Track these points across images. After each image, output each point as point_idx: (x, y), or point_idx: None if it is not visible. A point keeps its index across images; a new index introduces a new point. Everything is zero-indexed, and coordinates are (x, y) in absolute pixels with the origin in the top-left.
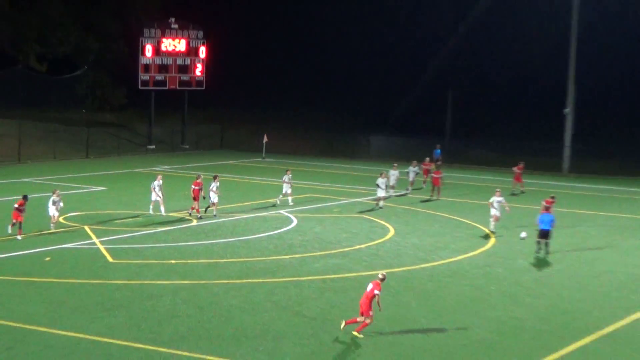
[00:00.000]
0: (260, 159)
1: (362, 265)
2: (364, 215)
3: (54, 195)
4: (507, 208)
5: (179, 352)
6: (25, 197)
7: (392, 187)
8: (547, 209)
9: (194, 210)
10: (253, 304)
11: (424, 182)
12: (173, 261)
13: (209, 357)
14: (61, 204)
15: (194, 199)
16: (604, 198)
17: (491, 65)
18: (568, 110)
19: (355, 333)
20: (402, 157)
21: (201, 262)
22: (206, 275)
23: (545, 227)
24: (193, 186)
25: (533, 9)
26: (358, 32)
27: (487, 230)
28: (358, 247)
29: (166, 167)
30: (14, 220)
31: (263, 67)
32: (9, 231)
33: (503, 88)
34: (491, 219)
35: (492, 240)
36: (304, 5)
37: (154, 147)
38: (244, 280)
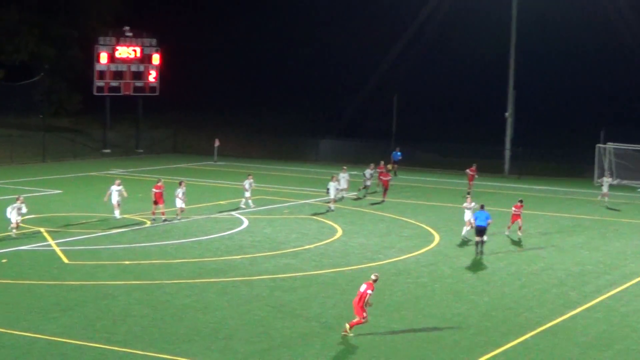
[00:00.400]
0: (212, 162)
1: (311, 265)
2: (313, 217)
3: (18, 201)
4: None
5: (133, 351)
6: None
7: (344, 190)
8: (515, 216)
9: (160, 214)
10: (205, 303)
11: (378, 184)
12: (127, 262)
13: (162, 356)
14: (24, 209)
15: (155, 202)
16: (543, 198)
17: (435, 72)
18: (508, 115)
19: (347, 327)
20: (350, 160)
21: (154, 263)
22: (159, 276)
23: (481, 224)
24: (154, 190)
25: (474, 17)
26: (308, 39)
27: (432, 231)
28: (307, 247)
29: (121, 170)
30: None
31: (215, 72)
32: None
33: (446, 93)
34: (465, 227)
35: (437, 240)
36: (255, 13)
37: (109, 151)
38: (197, 280)
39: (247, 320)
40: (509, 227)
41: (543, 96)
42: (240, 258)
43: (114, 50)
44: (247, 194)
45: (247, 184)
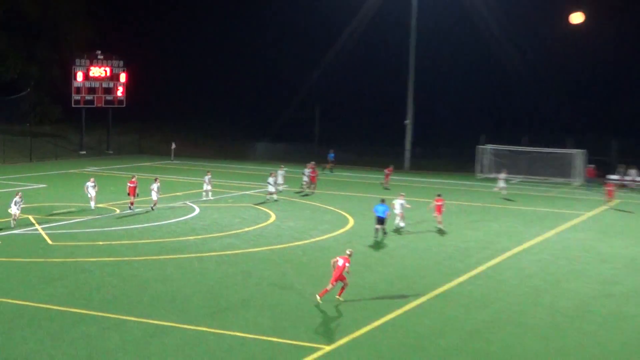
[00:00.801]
0: (169, 161)
1: (250, 244)
2: (252, 205)
3: (17, 196)
4: (407, 206)
5: (107, 315)
6: None
7: (281, 184)
8: (437, 207)
9: (131, 204)
10: (165, 275)
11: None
12: (101, 243)
13: (130, 318)
14: (22, 204)
15: (129, 194)
16: (435, 189)
17: (351, 86)
18: (408, 122)
19: (338, 297)
20: (281, 159)
21: (123, 243)
22: (127, 254)
23: (380, 215)
24: (129, 184)
25: (380, 44)
26: (249, 58)
27: (348, 216)
28: (247, 229)
29: (95, 168)
30: None
31: (172, 87)
32: None
33: (359, 104)
34: (397, 218)
35: (351, 223)
36: (204, 36)
37: (84, 152)
38: (158, 257)
39: (198, 289)
40: (438, 222)
41: (436, 106)
42: (194, 239)
43: (88, 70)
44: (207, 187)
45: (206, 179)
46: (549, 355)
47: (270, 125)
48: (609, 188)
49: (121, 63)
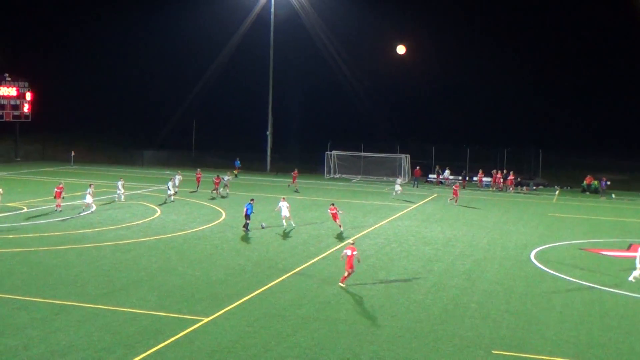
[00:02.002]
0: (69, 166)
1: (139, 234)
2: (140, 202)
3: None
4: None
5: (17, 297)
6: None
7: (176, 187)
8: (333, 215)
9: (58, 206)
10: (67, 262)
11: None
12: (11, 236)
13: (37, 299)
14: None
15: (55, 197)
16: (292, 188)
17: (223, 103)
18: (269, 133)
19: (340, 284)
20: (165, 164)
21: (30, 236)
22: (34, 244)
23: (249, 212)
24: (55, 189)
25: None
26: (137, 79)
27: (221, 210)
28: (136, 222)
29: (5, 173)
30: None
31: (72, 103)
32: None
33: (230, 117)
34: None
35: (224, 216)
36: (100, 59)
37: None
38: (61, 247)
39: (96, 273)
40: (340, 226)
41: (291, 120)
42: (91, 231)
43: None
44: (119, 191)
45: (119, 184)
46: (384, 320)
47: (155, 135)
48: (455, 188)
49: (26, 84)
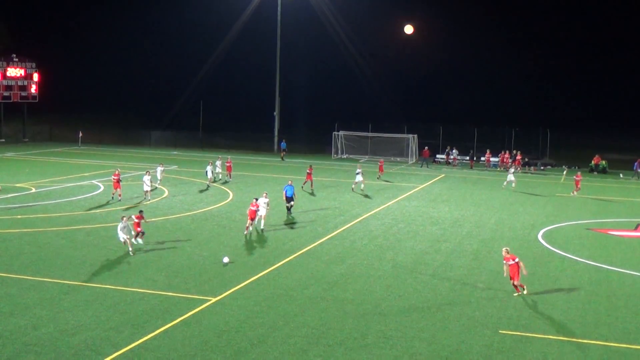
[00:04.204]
0: (77, 147)
1: (147, 215)
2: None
3: None
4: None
5: (26, 277)
6: None
7: (219, 172)
8: (308, 174)
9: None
10: (76, 242)
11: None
12: (19, 216)
13: (46, 279)
14: None
15: (114, 187)
16: (302, 168)
17: (229, 85)
18: (276, 113)
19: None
20: (173, 144)
21: (39, 217)
22: (42, 225)
23: (289, 195)
24: (112, 177)
25: (254, 47)
26: (145, 59)
27: (229, 191)
28: (145, 203)
29: (13, 153)
30: None
31: (79, 84)
32: None
33: (237, 99)
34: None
35: (231, 197)
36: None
37: (3, 140)
38: (69, 227)
39: (104, 253)
40: (303, 185)
41: (299, 101)
42: (99, 211)
43: (5, 70)
44: (159, 176)
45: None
46: (392, 300)
47: (163, 116)
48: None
49: (34, 65)
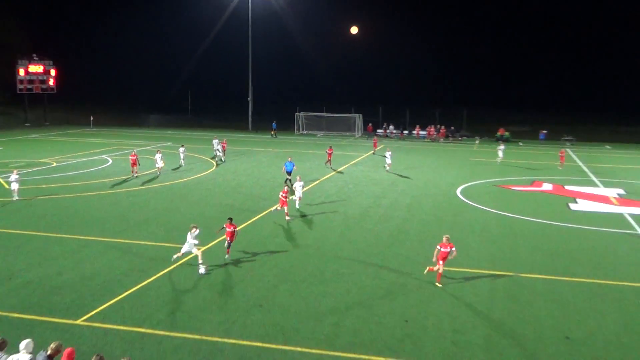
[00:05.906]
0: (89, 129)
1: (147, 182)
2: (148, 157)
3: (14, 174)
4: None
5: (50, 234)
6: None
7: (218, 151)
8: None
9: (134, 173)
10: (90, 206)
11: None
12: (44, 185)
13: (66, 236)
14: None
15: (132, 165)
16: (270, 143)
17: (216, 73)
18: (249, 99)
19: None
20: (167, 125)
21: (59, 185)
22: (62, 192)
23: (289, 170)
24: (130, 157)
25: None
26: (145, 51)
27: (212, 162)
28: (144, 173)
29: (37, 135)
30: None
31: (89, 77)
32: None
33: (223, 86)
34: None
35: (214, 167)
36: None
37: (29, 124)
38: (85, 194)
39: (113, 214)
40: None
41: (268, 87)
42: (109, 180)
43: (27, 67)
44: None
45: (181, 150)
46: (344, 244)
47: (159, 102)
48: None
49: (51, 62)
